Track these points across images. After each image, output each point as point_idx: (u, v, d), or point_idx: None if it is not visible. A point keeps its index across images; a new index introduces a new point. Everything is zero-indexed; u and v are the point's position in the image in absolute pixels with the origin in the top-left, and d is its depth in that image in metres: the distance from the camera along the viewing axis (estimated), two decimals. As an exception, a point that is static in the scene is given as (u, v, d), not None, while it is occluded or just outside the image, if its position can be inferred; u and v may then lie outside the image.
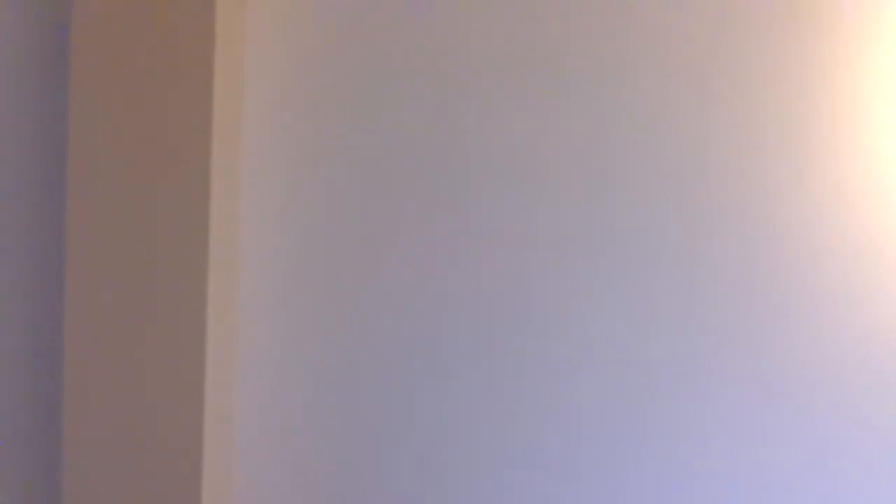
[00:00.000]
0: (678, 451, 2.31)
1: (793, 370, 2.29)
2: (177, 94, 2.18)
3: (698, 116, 2.29)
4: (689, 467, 2.31)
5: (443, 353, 2.35)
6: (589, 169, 2.31)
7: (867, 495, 2.28)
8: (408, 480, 2.37)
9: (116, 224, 2.21)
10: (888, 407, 2.27)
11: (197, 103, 2.18)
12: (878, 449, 2.28)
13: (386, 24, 2.33)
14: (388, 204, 2.35)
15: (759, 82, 2.28)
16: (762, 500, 2.30)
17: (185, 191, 2.19)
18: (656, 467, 2.31)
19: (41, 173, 2.35)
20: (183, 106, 2.18)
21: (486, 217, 2.33)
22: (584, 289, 2.31)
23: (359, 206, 2.35)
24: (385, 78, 2.34)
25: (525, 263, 2.32)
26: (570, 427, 2.33)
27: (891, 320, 2.27)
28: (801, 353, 2.29)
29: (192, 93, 2.18)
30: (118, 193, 2.21)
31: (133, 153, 2.20)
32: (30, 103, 2.34)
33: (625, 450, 2.32)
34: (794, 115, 2.27)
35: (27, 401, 2.37)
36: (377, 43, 2.34)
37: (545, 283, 2.32)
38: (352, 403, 2.37)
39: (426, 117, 2.33)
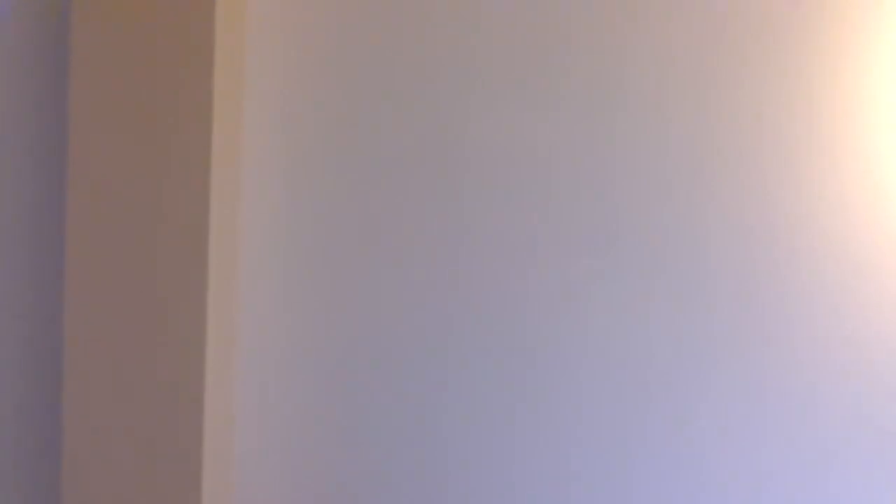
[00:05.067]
0: (677, 451, 2.31)
1: (793, 370, 2.29)
2: (177, 94, 2.18)
3: (698, 116, 2.29)
4: (688, 467, 2.31)
5: (442, 353, 2.35)
6: (589, 168, 2.31)
7: (868, 496, 2.28)
8: (407, 479, 2.37)
9: (116, 224, 2.21)
10: (889, 407, 2.27)
11: (197, 103, 2.18)
12: (878, 450, 2.28)
13: (386, 23, 2.33)
14: (388, 203, 2.35)
15: (759, 83, 2.28)
16: (761, 501, 2.30)
17: (185, 191, 2.19)
18: (655, 467, 2.31)
19: (41, 173, 2.35)
20: (183, 105, 2.18)
21: (487, 216, 2.33)
22: (583, 288, 2.31)
23: (359, 206, 2.35)
24: (385, 78, 2.34)
25: (525, 263, 2.32)
26: (571, 426, 2.33)
27: (891, 320, 2.27)
28: (801, 354, 2.29)
29: (192, 92, 2.18)
30: (118, 193, 2.21)
31: (133, 153, 2.20)
32: (30, 103, 2.34)
33: (624, 450, 2.32)
34: (795, 116, 2.27)
35: (27, 401, 2.37)
36: (377, 43, 2.34)
37: (545, 283, 2.32)
38: (352, 403, 2.37)
39: (426, 117, 2.33)
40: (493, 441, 2.35)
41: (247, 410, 2.39)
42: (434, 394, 2.35)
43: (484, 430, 2.35)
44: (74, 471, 2.24)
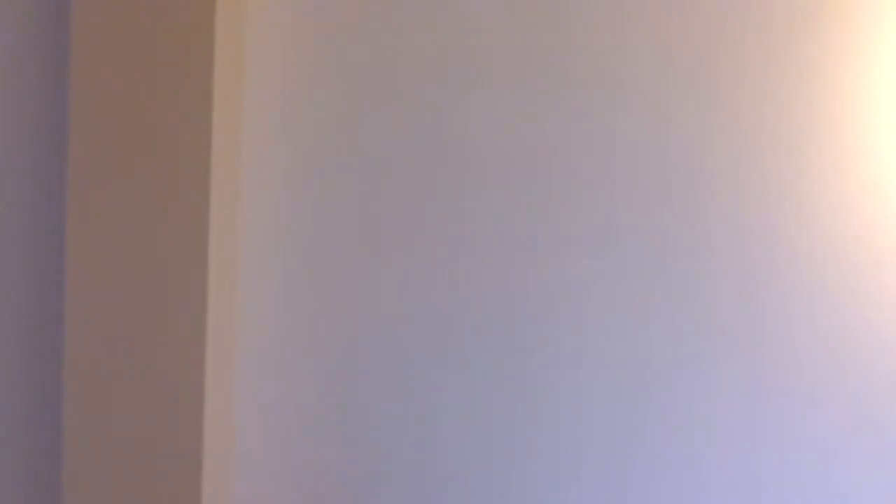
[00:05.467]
0: (677, 451, 2.31)
1: (793, 370, 2.29)
2: (177, 94, 2.18)
3: (698, 116, 2.29)
4: (688, 467, 2.31)
5: (442, 353, 2.35)
6: (589, 168, 2.31)
7: (868, 496, 2.28)
8: (408, 479, 2.37)
9: (116, 224, 2.21)
10: (889, 407, 2.27)
11: (197, 103, 2.18)
12: (878, 450, 2.28)
13: (386, 23, 2.33)
14: (388, 203, 2.35)
15: (759, 83, 2.28)
16: (761, 501, 2.30)
17: (185, 191, 2.19)
18: (655, 467, 2.31)
19: (41, 173, 2.35)
20: (183, 106, 2.18)
21: (487, 216, 2.33)
22: (583, 288, 2.31)
23: (359, 206, 2.35)
24: (385, 78, 2.34)
25: (525, 263, 2.32)
26: (571, 426, 2.33)
27: (891, 320, 2.27)
28: (802, 354, 2.29)
29: (192, 93, 2.18)
30: (118, 193, 2.21)
31: (133, 153, 2.20)
32: (30, 103, 2.34)
33: (624, 450, 2.32)
34: (795, 116, 2.27)
35: (27, 401, 2.37)
36: (377, 43, 2.34)
37: (545, 283, 2.32)
38: (352, 403, 2.37)
39: (426, 117, 2.33)
40: (493, 441, 2.35)
41: (247, 410, 2.39)
42: (434, 394, 2.35)
43: (484, 430, 2.35)
44: (74, 471, 2.24)
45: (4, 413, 2.37)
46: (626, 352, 2.31)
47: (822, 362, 2.28)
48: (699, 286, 2.29)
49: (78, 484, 2.24)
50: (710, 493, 2.30)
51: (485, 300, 2.33)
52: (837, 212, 2.27)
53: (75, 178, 2.22)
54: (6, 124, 2.35)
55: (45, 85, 2.34)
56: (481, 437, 2.35)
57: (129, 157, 2.21)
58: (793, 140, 2.28)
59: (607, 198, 2.31)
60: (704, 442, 2.30)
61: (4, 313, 2.37)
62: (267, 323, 2.38)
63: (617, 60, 2.30)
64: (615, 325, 2.31)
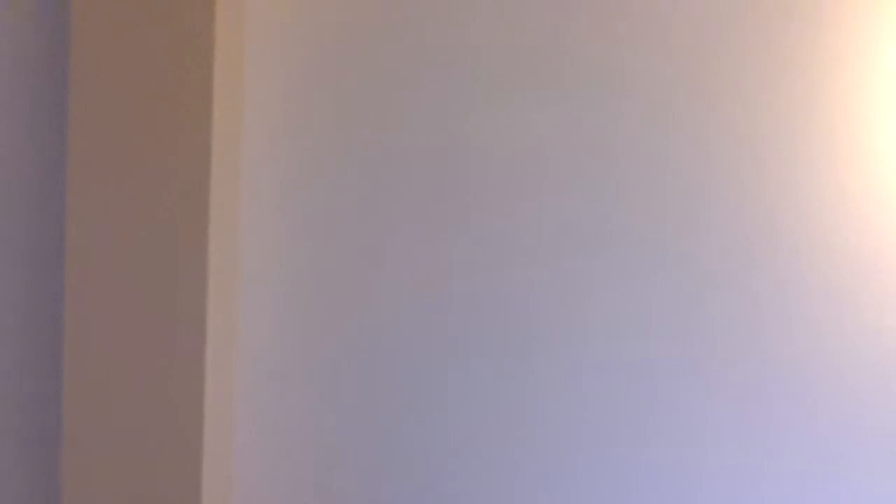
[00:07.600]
0: (678, 453, 2.31)
1: (793, 371, 2.29)
2: (177, 94, 2.18)
3: (698, 117, 2.29)
4: (688, 468, 2.31)
5: (442, 354, 2.35)
6: (590, 170, 2.31)
7: (869, 496, 2.28)
8: (407, 481, 2.37)
9: (116, 224, 2.21)
10: (889, 407, 2.27)
11: (197, 104, 2.18)
12: (879, 449, 2.28)
13: (386, 23, 2.33)
14: (388, 204, 2.35)
15: (758, 83, 2.28)
16: (762, 501, 2.30)
17: (185, 191, 2.19)
18: (656, 469, 2.31)
19: (41, 173, 2.35)
20: (183, 106, 2.18)
21: (487, 217, 2.33)
22: (584, 289, 2.31)
23: (359, 206, 2.35)
24: (385, 78, 2.34)
25: (525, 264, 2.32)
26: (570, 428, 2.33)
27: (891, 321, 2.27)
28: (802, 354, 2.29)
29: (192, 93, 2.18)
30: (118, 193, 2.21)
31: (133, 153, 2.20)
32: (30, 103, 2.34)
33: (624, 451, 2.32)
34: (794, 117, 2.27)
35: (27, 401, 2.37)
36: (377, 43, 2.34)
37: (546, 284, 2.32)
38: (352, 403, 2.37)
39: (426, 117, 2.33)
40: (492, 442, 2.35)
41: (247, 411, 2.39)
42: (433, 395, 2.35)
43: (483, 432, 2.35)
44: (74, 471, 2.24)
45: (4, 413, 2.37)
46: (625, 352, 2.31)
47: (823, 362, 2.28)
48: (699, 287, 2.29)
49: (78, 483, 2.24)
50: (711, 494, 2.30)
51: (485, 301, 2.33)
52: (837, 212, 2.27)
53: (75, 178, 2.22)
54: (6, 124, 2.35)
55: (45, 85, 2.34)
56: (480, 439, 2.35)
57: (129, 157, 2.21)
58: (793, 140, 2.28)
59: (607, 198, 2.30)
60: (704, 442, 2.30)
61: (4, 313, 2.37)
62: (267, 324, 2.38)
63: (617, 60, 2.30)
64: (615, 325, 2.31)
